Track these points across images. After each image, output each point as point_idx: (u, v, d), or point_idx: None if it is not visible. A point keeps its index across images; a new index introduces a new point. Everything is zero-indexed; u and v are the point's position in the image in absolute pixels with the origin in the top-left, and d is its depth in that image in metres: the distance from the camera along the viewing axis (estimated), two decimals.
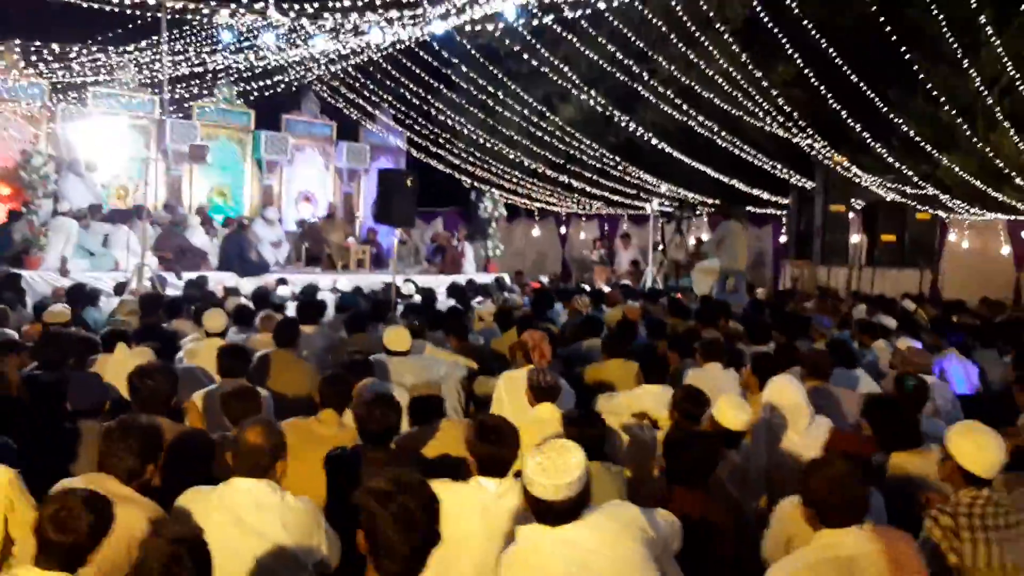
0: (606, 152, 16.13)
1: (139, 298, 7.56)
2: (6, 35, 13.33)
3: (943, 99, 14.38)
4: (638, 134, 15.97)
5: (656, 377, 5.28)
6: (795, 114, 14.28)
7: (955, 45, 13.23)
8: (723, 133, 14.62)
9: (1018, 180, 14.17)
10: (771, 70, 15.24)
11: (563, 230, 21.80)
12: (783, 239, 17.55)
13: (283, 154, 16.60)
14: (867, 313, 10.72)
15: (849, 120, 14.11)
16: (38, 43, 13.04)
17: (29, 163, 11.02)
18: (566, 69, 15.71)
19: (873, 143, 14.67)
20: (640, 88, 15.07)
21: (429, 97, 17.51)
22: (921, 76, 14.16)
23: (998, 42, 13.73)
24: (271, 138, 16.39)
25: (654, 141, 15.21)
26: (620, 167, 16.16)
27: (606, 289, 13.28)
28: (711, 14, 14.21)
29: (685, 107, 14.94)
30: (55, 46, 13.58)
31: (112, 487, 2.90)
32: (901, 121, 14.43)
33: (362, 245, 15.53)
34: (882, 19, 12.97)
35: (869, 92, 13.48)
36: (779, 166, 14.65)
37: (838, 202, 13.84)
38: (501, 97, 16.91)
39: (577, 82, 15.36)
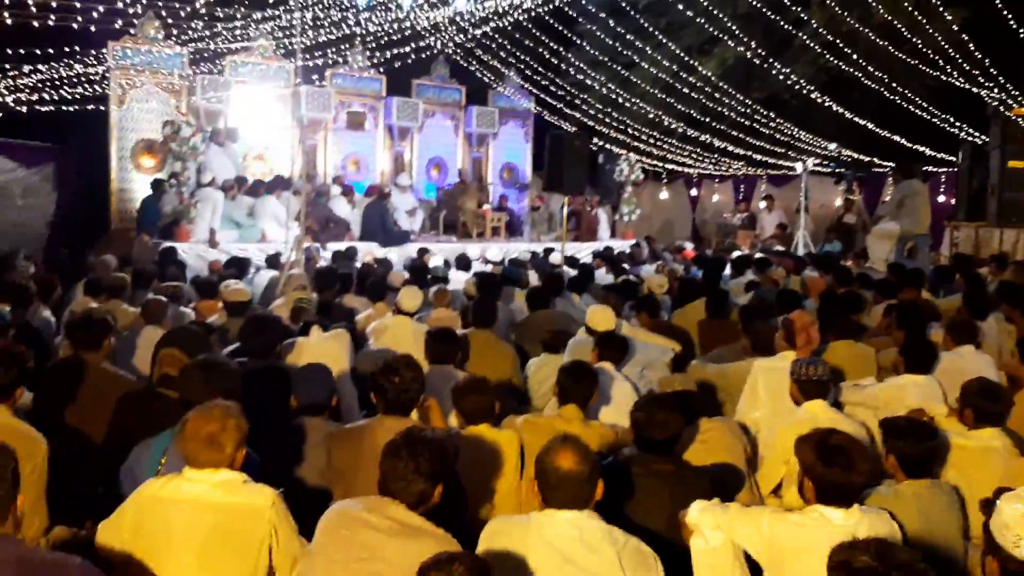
0: (757, 106, 15.13)
1: (315, 272, 7.25)
2: (146, 5, 13.30)
3: None
4: (790, 84, 14.97)
5: (923, 366, 4.59)
6: (966, 62, 13.08)
7: None
8: (887, 82, 13.50)
9: None
10: (937, 15, 14.02)
11: (694, 192, 20.91)
12: (941, 199, 16.30)
13: (414, 120, 16.25)
14: None
15: None
16: (177, 7, 12.88)
17: (178, 134, 10.92)
18: (713, 14, 14.85)
19: None
20: (796, 32, 14.05)
21: (561, 56, 16.87)
22: None
23: None
24: (403, 104, 16.05)
25: (814, 95, 14.19)
26: (772, 122, 15.17)
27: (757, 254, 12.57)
28: None
29: (847, 52, 13.89)
30: (193, 18, 13.52)
31: (401, 515, 2.48)
32: None
33: (496, 212, 15.09)
34: None
35: None
36: (950, 118, 13.45)
37: (1018, 157, 12.58)
38: (637, 52, 16.15)
39: (728, 26, 14.44)
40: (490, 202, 15.91)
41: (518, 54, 16.58)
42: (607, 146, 17.93)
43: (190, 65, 13.99)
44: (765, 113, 15.31)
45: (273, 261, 10.22)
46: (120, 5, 12.41)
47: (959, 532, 3.10)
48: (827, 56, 14.70)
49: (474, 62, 16.68)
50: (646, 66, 16.87)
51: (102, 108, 13.34)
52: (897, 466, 3.10)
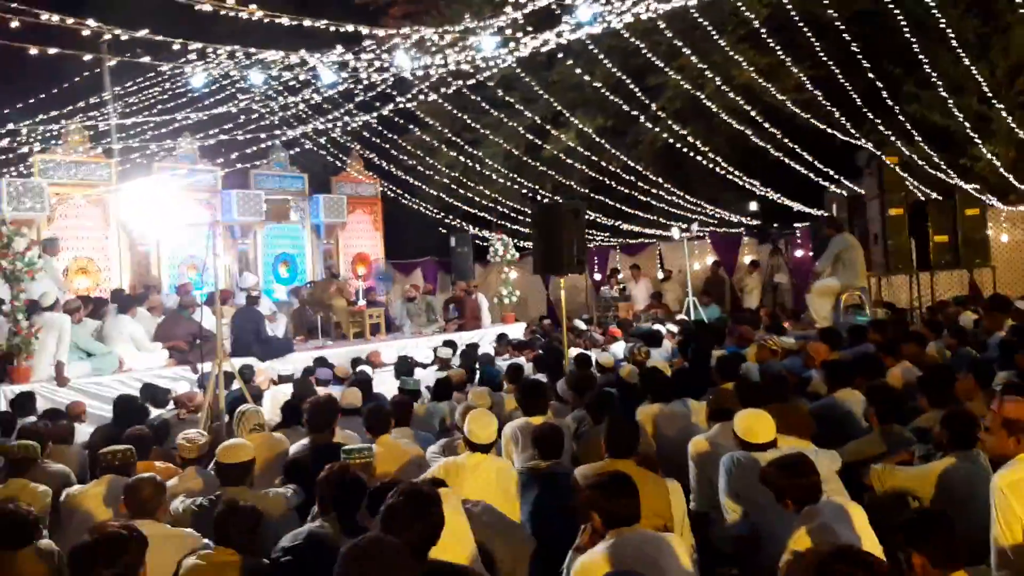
0: (641, 166, 14.68)
1: (310, 406, 5.49)
2: None
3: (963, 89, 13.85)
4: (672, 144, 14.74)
5: None
6: (833, 114, 13.31)
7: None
8: (770, 138, 13.51)
9: None
10: (786, 75, 14.33)
11: None
12: (799, 253, 16.58)
13: (257, 214, 14.43)
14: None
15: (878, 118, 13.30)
16: None
17: (8, 248, 8.66)
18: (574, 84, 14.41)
19: (902, 140, 13.91)
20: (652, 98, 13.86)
21: (405, 137, 15.83)
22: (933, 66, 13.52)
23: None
24: (243, 197, 14.22)
25: (699, 155, 13.97)
26: (656, 188, 14.80)
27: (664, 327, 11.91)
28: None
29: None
30: None
31: None
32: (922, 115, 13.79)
33: (371, 308, 13.51)
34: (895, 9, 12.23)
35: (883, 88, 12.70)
36: (829, 171, 13.58)
37: (896, 205, 12.84)
38: (486, 126, 15.41)
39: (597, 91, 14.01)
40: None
41: (363, 136, 15.33)
42: (463, 225, 16.97)
43: None
44: (632, 176, 14.95)
45: (156, 396, 8.21)
46: None
47: None
48: (677, 123, 14.61)
49: (316, 147, 15.21)
50: (494, 141, 16.17)
51: None
52: None
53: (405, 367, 8.55)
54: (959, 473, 4.02)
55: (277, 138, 14.01)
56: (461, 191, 16.26)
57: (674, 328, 12.03)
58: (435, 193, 16.56)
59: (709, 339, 8.53)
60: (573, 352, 8.81)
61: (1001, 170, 13.28)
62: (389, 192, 16.36)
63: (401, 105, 13.08)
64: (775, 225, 14.91)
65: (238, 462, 4.30)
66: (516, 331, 13.86)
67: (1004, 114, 13.32)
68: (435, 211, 16.52)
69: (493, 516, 3.90)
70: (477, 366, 9.43)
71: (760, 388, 5.90)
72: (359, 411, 6.62)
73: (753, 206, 15.02)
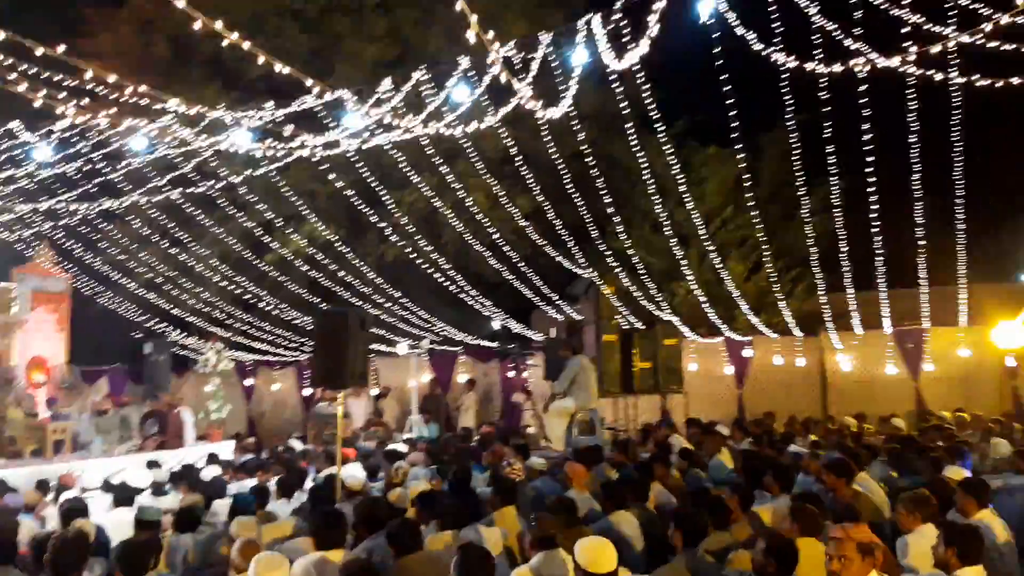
0: (371, 275, 14.28)
1: (55, 543, 4.24)
2: None
3: (667, 230, 15.32)
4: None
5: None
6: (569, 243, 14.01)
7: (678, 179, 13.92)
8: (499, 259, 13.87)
9: (743, 303, 15.45)
10: (513, 202, 14.99)
11: (248, 382, 18.93)
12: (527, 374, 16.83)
13: None
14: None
15: (597, 244, 14.25)
16: None
17: None
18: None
19: (622, 271, 14.97)
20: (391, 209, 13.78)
21: (107, 230, 14.26)
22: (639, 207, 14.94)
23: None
24: None
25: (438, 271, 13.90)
26: (388, 300, 14.45)
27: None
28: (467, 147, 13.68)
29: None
30: None
31: None
32: (633, 251, 15.02)
33: (57, 422, 11.64)
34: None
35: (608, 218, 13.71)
36: (554, 296, 14.20)
37: (610, 332, 13.67)
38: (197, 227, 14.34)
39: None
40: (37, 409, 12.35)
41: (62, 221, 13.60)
42: (164, 329, 15.44)
43: None
44: (367, 288, 14.59)
45: None
46: None
47: None
48: (409, 237, 14.65)
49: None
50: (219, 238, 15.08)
51: None
52: None
53: (126, 493, 7.28)
54: None
55: None
56: (173, 291, 14.83)
57: (403, 447, 11.64)
58: (137, 291, 14.98)
59: (466, 459, 8.27)
60: (323, 473, 8.10)
61: (704, 305, 14.69)
62: (83, 289, 14.53)
63: (113, 196, 11.79)
64: (512, 345, 15.24)
65: None
66: (225, 450, 12.64)
67: (698, 255, 14.86)
68: (136, 311, 14.90)
69: None
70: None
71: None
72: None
73: (496, 325, 15.23)
